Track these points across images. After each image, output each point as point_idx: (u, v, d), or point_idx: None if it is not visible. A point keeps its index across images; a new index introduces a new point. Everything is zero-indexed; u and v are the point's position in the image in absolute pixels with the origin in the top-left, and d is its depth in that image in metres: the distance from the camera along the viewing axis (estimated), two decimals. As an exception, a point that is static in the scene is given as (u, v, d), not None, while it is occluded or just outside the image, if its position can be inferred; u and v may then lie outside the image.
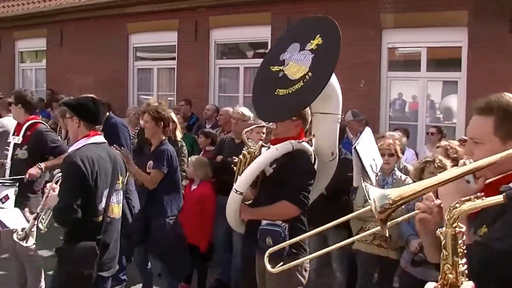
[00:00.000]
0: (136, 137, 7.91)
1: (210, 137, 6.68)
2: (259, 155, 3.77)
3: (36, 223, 3.67)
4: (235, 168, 3.88)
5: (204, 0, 10.41)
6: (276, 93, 3.71)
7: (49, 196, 3.58)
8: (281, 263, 2.69)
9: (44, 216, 3.63)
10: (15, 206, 4.64)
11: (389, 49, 8.47)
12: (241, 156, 3.84)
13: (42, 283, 5.19)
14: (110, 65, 12.10)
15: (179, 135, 5.82)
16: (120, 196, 3.70)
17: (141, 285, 5.54)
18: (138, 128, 7.96)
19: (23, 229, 3.73)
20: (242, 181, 3.63)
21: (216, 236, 5.91)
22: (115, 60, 12.13)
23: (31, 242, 3.77)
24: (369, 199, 1.67)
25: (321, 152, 3.95)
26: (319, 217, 3.86)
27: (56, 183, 3.55)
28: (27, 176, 4.87)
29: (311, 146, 3.88)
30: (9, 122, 7.89)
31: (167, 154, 4.97)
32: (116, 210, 3.65)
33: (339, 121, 3.94)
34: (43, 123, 5.29)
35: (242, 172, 3.74)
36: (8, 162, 5.18)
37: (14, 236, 3.76)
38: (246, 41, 10.42)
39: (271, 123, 4.02)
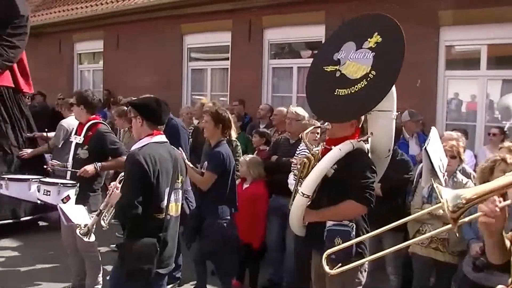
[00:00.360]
0: (190, 136, 8.04)
1: (265, 136, 6.69)
2: (321, 157, 3.73)
3: (98, 219, 3.76)
4: (295, 170, 3.86)
5: (258, 0, 10.43)
6: (336, 93, 3.67)
7: (112, 194, 3.68)
8: (340, 264, 2.66)
9: (106, 214, 3.72)
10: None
11: (446, 47, 8.25)
12: (304, 159, 3.81)
13: (100, 278, 5.31)
14: (165, 66, 12.29)
15: (233, 134, 5.85)
16: (179, 194, 3.77)
17: (195, 282, 5.60)
18: (192, 128, 8.09)
19: (85, 225, 3.84)
20: (309, 184, 3.61)
21: (269, 236, 5.91)
22: (170, 61, 12.31)
23: (92, 238, 3.87)
24: (441, 198, 1.64)
25: (378, 149, 3.90)
26: (375, 218, 3.83)
27: (119, 182, 3.63)
28: (81, 170, 4.99)
29: (367, 144, 3.84)
30: (73, 122, 8.18)
31: (221, 157, 5.00)
32: (175, 209, 3.72)
33: (395, 118, 3.89)
34: (104, 124, 5.41)
35: (305, 176, 3.72)
36: (70, 161, 5.34)
37: (77, 231, 3.87)
38: (299, 40, 10.33)
39: (326, 123, 3.98)
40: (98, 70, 15.13)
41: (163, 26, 12.36)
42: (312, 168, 3.67)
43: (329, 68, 3.82)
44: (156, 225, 3.53)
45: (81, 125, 5.38)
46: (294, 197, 3.78)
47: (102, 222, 3.77)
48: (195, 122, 8.47)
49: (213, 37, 11.49)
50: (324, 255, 2.53)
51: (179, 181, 3.74)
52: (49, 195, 4.83)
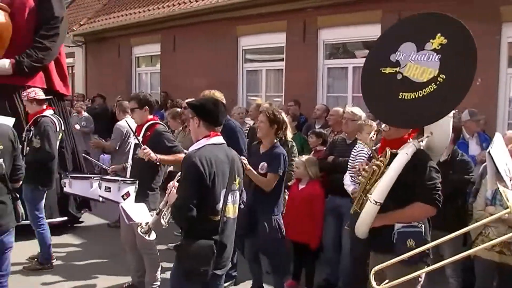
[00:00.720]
0: (246, 137, 8.08)
1: (322, 137, 6.64)
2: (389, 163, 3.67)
3: (158, 218, 3.82)
4: (360, 177, 3.79)
5: (313, 0, 10.39)
6: (400, 97, 3.60)
7: (170, 194, 3.72)
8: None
9: (166, 212, 3.77)
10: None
11: (509, 44, 7.96)
12: (374, 167, 3.74)
13: (159, 275, 5.40)
14: (220, 67, 12.43)
15: (289, 135, 5.84)
16: (236, 196, 3.75)
17: (251, 281, 5.63)
18: (248, 128, 8.13)
19: (146, 223, 3.90)
20: (381, 192, 3.56)
21: (325, 236, 5.87)
22: (225, 63, 12.44)
23: (153, 236, 3.94)
24: (508, 202, 1.60)
25: (434, 149, 3.83)
26: (436, 219, 3.75)
27: (178, 181, 3.67)
28: (143, 149, 5.05)
29: (422, 143, 3.77)
30: (127, 124, 8.38)
31: (283, 158, 5.08)
32: (232, 210, 3.70)
33: (453, 116, 3.80)
34: (161, 124, 5.51)
35: (374, 182, 3.67)
36: (129, 161, 5.46)
37: (138, 229, 3.93)
38: (355, 40, 10.23)
39: (384, 125, 3.92)
40: (155, 73, 15.47)
41: (218, 29, 12.51)
42: (381, 174, 3.61)
43: (388, 70, 3.74)
44: (212, 227, 3.54)
45: (139, 126, 5.48)
46: (361, 203, 3.74)
47: (162, 221, 3.81)
48: (250, 122, 8.52)
49: (268, 38, 11.54)
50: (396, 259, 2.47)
51: (236, 182, 3.72)
52: (110, 191, 4.97)
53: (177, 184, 3.66)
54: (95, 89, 16.69)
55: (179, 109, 8.84)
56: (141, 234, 3.87)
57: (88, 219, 8.61)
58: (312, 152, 6.57)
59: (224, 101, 5.89)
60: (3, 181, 4.17)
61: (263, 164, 5.08)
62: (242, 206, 5.45)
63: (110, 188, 4.82)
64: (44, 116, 6.30)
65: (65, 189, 5.71)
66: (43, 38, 7.73)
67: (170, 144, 5.27)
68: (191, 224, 3.52)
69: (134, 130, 5.51)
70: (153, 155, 4.99)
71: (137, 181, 5.04)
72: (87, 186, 5.34)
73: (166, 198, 3.79)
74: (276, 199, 5.16)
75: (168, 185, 3.83)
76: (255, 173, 5.06)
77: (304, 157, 5.96)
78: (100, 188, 5.09)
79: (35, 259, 6.34)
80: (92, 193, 5.34)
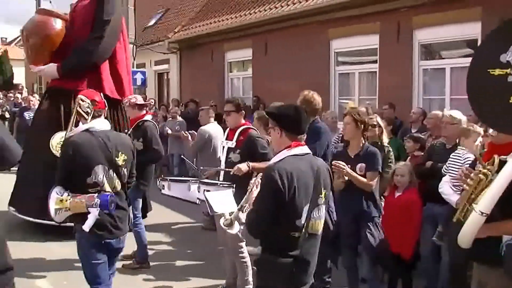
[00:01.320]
0: (340, 141, 7.97)
1: (419, 141, 6.38)
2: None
3: (240, 213, 3.76)
4: (465, 186, 3.59)
5: (407, 0, 10.09)
6: (511, 101, 3.39)
7: (252, 192, 3.61)
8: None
9: (247, 208, 3.71)
10: None
11: None
12: (480, 175, 3.55)
13: (250, 278, 5.38)
14: (312, 71, 12.35)
15: (385, 139, 5.69)
16: (322, 211, 3.47)
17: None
18: (342, 134, 8.02)
19: (231, 213, 3.84)
20: (488, 203, 3.34)
21: (423, 245, 5.65)
22: (317, 66, 12.36)
23: (236, 229, 3.89)
24: None
25: None
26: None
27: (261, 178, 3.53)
28: (235, 168, 5.12)
29: None
30: (212, 129, 8.57)
31: (377, 155, 5.03)
32: (317, 227, 3.44)
33: None
34: (254, 129, 5.55)
35: (480, 191, 3.48)
36: (222, 165, 5.54)
37: (221, 221, 3.89)
38: (452, 39, 9.79)
39: (491, 130, 3.70)
40: (247, 77, 15.67)
41: (310, 32, 12.46)
42: (488, 183, 3.41)
43: (497, 72, 3.50)
44: (291, 243, 3.30)
45: (231, 131, 5.54)
46: (465, 212, 3.55)
47: (242, 216, 3.72)
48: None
49: (361, 40, 11.35)
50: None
51: (322, 196, 3.43)
52: (208, 195, 5.06)
53: (259, 183, 3.48)
54: (188, 94, 17.19)
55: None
56: (223, 226, 3.84)
57: (181, 220, 8.84)
58: (409, 158, 6.34)
59: (320, 104, 5.85)
60: (123, 188, 4.33)
61: (361, 165, 4.98)
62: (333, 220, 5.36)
63: (208, 191, 4.89)
64: (147, 120, 6.58)
65: (162, 191, 5.88)
66: (87, 41, 7.85)
67: (262, 151, 5.27)
68: (268, 239, 3.37)
69: (227, 134, 5.59)
70: (245, 167, 5.06)
71: (234, 185, 5.08)
72: (185, 189, 5.47)
73: (247, 195, 3.66)
74: (375, 200, 5.08)
75: (251, 181, 3.74)
76: (355, 174, 4.96)
77: (401, 164, 5.77)
78: (198, 191, 5.20)
79: (133, 258, 6.53)
80: (190, 195, 5.46)
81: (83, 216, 3.99)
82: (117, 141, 4.28)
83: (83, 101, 4.26)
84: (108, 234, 4.14)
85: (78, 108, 4.27)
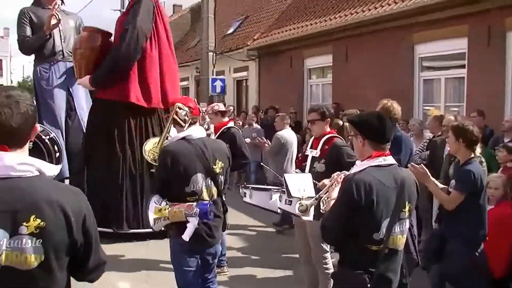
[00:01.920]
0: (425, 149, 7.71)
1: (515, 152, 6.01)
2: None
3: (317, 203, 3.63)
4: None
5: (498, 0, 9.56)
6: None
7: (331, 188, 3.52)
8: None
9: (325, 199, 3.58)
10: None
11: None
12: None
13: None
14: (394, 77, 12.00)
15: (478, 150, 5.36)
16: (405, 225, 3.29)
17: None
18: (428, 140, 7.76)
19: (307, 198, 3.71)
20: None
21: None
22: (400, 72, 11.99)
23: (309, 216, 3.77)
24: None
25: None
26: None
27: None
28: (321, 184, 4.99)
29: None
30: (288, 135, 8.54)
31: (471, 176, 4.54)
32: (399, 241, 3.25)
33: None
34: (339, 138, 5.40)
35: None
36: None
37: (296, 206, 3.78)
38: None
39: None
40: (326, 84, 15.46)
41: (393, 37, 12.14)
42: None
43: None
44: (368, 257, 3.16)
45: (316, 139, 5.42)
46: None
47: (321, 206, 3.63)
48: (430, 135, 8.16)
49: (447, 44, 10.86)
50: None
51: (406, 210, 3.25)
52: (291, 204, 4.95)
53: (341, 179, 3.38)
54: (267, 101, 17.22)
55: (341, 121, 8.75)
56: (298, 212, 3.73)
57: (254, 223, 8.80)
58: (501, 169, 5.97)
59: (399, 114, 5.64)
60: (219, 196, 4.33)
61: (452, 182, 4.68)
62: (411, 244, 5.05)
63: (291, 201, 4.79)
64: (232, 127, 6.63)
65: (244, 199, 5.84)
66: (109, 52, 8.05)
67: (349, 160, 5.10)
68: (344, 251, 3.28)
69: (311, 143, 5.47)
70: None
71: (317, 196, 4.96)
72: (267, 198, 5.40)
73: (326, 188, 3.59)
74: (469, 222, 4.62)
75: (334, 174, 3.63)
76: (436, 187, 4.69)
77: (494, 175, 5.43)
78: (280, 201, 5.11)
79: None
80: (271, 204, 5.39)
81: (178, 225, 4.00)
82: (214, 148, 4.27)
83: (180, 109, 4.26)
84: (203, 243, 4.14)
85: (174, 116, 4.27)
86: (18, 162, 2.03)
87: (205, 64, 17.87)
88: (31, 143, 5.48)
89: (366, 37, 13.05)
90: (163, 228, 4.23)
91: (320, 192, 3.70)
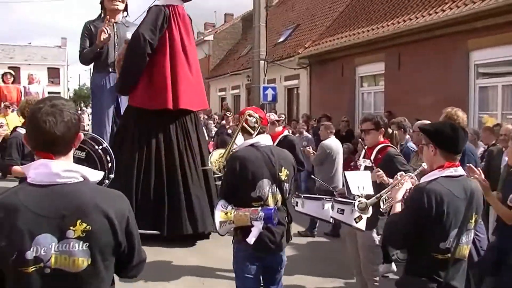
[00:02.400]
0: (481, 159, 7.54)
1: None
2: None
3: (377, 202, 3.64)
4: None
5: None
6: None
7: (395, 187, 3.53)
8: None
9: (386, 198, 3.56)
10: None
11: None
12: None
13: None
14: (449, 84, 11.77)
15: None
16: (470, 236, 3.30)
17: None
18: (484, 149, 7.59)
19: (367, 197, 3.71)
20: None
21: None
22: (454, 79, 11.74)
23: (369, 214, 3.75)
24: None
25: None
26: None
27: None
28: (378, 180, 4.94)
29: None
30: (333, 144, 8.51)
31: None
32: (465, 251, 3.27)
33: None
34: (393, 147, 5.37)
35: None
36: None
37: (356, 203, 3.78)
38: None
39: None
40: (378, 92, 15.31)
41: (447, 43, 11.92)
42: None
43: None
44: (435, 266, 3.18)
45: (369, 149, 5.40)
46: None
47: (381, 204, 3.66)
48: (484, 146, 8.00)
49: (504, 50, 10.57)
50: None
51: (472, 221, 3.26)
52: (343, 214, 4.94)
53: (405, 181, 3.43)
54: (318, 109, 17.18)
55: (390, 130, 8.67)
56: (357, 209, 3.72)
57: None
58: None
59: (465, 122, 5.53)
60: (284, 204, 4.39)
61: (511, 196, 4.57)
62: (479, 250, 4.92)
63: (343, 210, 4.79)
64: (288, 135, 6.72)
65: (296, 208, 5.87)
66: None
67: (402, 169, 5.06)
68: (410, 260, 3.30)
69: (364, 152, 5.45)
70: (385, 178, 4.85)
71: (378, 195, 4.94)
72: (319, 207, 5.41)
73: (389, 187, 3.60)
74: None
75: (397, 175, 3.64)
76: (496, 200, 4.58)
77: None
78: (332, 210, 5.12)
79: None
80: (323, 213, 5.40)
81: (242, 230, 4.06)
82: (281, 156, 4.32)
83: (251, 116, 4.34)
84: (266, 249, 4.17)
85: (244, 124, 4.35)
86: (64, 169, 2.15)
87: (256, 73, 18.00)
88: (85, 152, 5.75)
89: (419, 44, 12.87)
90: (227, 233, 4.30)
91: (382, 192, 3.72)
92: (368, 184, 4.33)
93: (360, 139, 7.67)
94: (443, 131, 3.32)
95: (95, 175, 2.28)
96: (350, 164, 10.70)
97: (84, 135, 6.17)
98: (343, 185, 5.65)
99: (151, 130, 8.32)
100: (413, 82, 12.99)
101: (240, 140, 4.65)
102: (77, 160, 5.81)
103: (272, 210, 3.97)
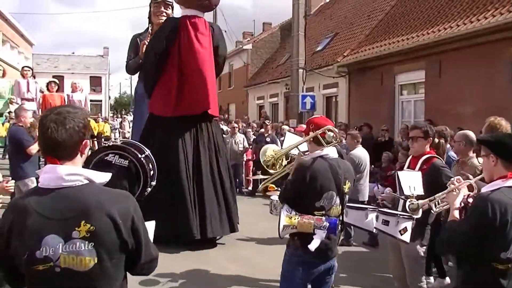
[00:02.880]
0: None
1: None
2: None
3: (429, 203, 3.65)
4: None
5: None
6: None
7: (451, 192, 3.54)
8: None
9: (439, 202, 3.55)
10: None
11: None
12: None
13: None
14: (491, 93, 11.61)
15: None
16: None
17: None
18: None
19: (418, 198, 3.73)
20: None
21: None
22: (497, 88, 11.57)
23: (419, 214, 3.76)
24: None
25: None
26: None
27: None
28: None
29: None
30: (361, 154, 8.45)
31: None
32: None
33: None
34: (439, 158, 5.33)
35: None
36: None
37: (407, 203, 3.78)
38: None
39: None
40: (418, 100, 15.18)
41: (489, 51, 11.77)
42: None
43: None
44: (495, 277, 3.18)
45: (414, 158, 5.36)
46: None
47: (432, 207, 3.66)
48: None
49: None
50: None
51: None
52: (388, 225, 4.92)
53: (462, 187, 3.45)
54: (357, 117, 17.13)
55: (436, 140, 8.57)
56: (408, 209, 3.72)
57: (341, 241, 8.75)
58: None
59: (508, 131, 5.46)
60: (341, 214, 4.44)
61: None
62: None
63: (388, 221, 4.78)
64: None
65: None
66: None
67: (447, 181, 5.03)
68: (469, 269, 3.28)
69: (409, 162, 5.44)
70: (426, 206, 4.88)
71: (415, 217, 4.94)
72: (362, 217, 5.41)
73: (444, 192, 3.63)
74: None
75: (453, 179, 3.65)
76: None
77: None
78: (376, 220, 5.12)
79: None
80: (366, 224, 5.40)
81: (301, 236, 4.08)
82: (345, 169, 4.35)
83: (330, 131, 4.40)
84: (324, 257, 4.21)
85: (319, 136, 4.33)
86: (67, 173, 2.29)
87: (295, 81, 18.10)
88: (128, 160, 5.86)
89: (460, 52, 12.75)
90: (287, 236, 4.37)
91: (436, 195, 3.72)
92: (419, 185, 4.36)
93: (400, 147, 7.64)
94: (505, 142, 3.36)
95: (101, 177, 2.41)
96: (389, 172, 10.65)
97: (126, 143, 6.35)
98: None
99: (175, 136, 8.52)
100: (455, 90, 12.86)
101: (302, 147, 4.70)
102: (120, 168, 5.91)
103: (336, 221, 4.02)
